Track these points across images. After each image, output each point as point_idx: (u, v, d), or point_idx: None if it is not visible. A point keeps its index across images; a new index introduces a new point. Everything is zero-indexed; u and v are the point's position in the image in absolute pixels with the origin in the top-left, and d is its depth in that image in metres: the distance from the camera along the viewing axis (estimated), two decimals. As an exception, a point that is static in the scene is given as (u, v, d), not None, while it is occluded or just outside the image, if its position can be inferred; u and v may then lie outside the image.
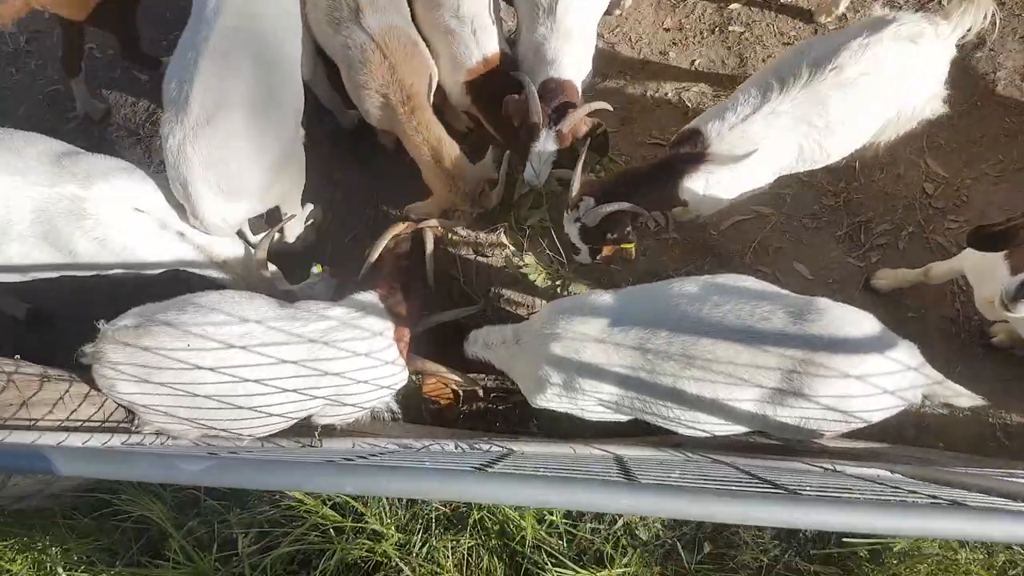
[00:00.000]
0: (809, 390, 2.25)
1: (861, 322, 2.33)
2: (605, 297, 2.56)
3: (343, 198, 3.80)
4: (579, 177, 2.94)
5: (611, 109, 3.13)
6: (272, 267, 3.04)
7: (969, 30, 2.76)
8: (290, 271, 3.15)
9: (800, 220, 3.48)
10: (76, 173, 2.68)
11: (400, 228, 3.00)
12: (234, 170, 2.80)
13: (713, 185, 2.83)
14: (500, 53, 3.22)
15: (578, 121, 3.05)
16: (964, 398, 2.49)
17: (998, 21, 3.02)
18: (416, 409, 3.33)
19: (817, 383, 2.24)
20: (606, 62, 3.82)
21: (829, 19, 3.78)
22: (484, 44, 3.17)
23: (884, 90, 2.72)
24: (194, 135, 2.70)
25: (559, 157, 3.18)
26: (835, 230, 3.46)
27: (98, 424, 2.49)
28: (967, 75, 3.56)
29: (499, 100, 3.10)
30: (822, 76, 2.65)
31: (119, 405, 2.53)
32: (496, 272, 3.59)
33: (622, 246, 2.93)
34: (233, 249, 3.06)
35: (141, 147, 3.94)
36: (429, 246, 3.04)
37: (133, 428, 2.57)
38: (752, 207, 3.46)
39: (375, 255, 2.95)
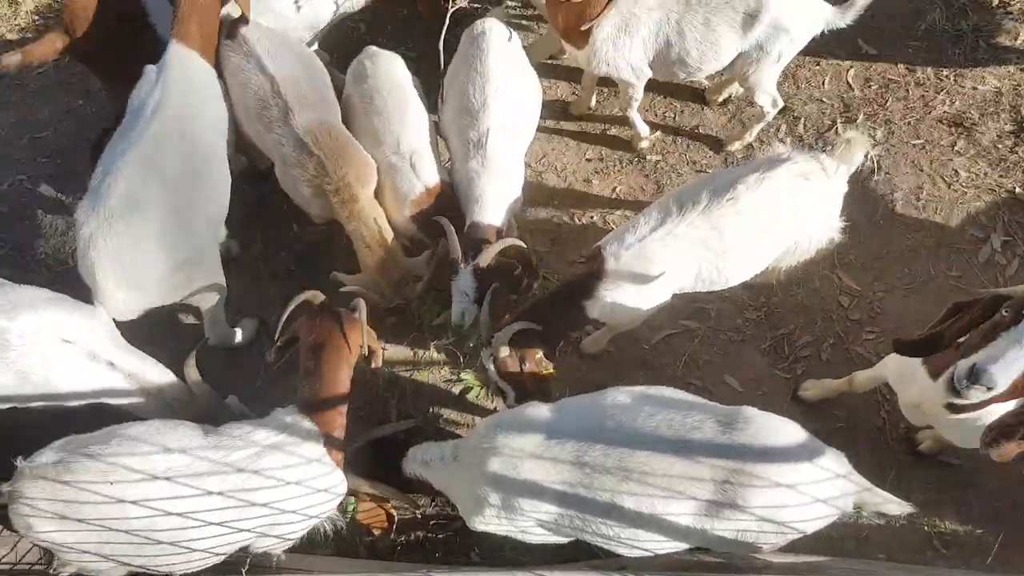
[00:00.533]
0: (743, 501, 2.28)
1: (788, 430, 2.41)
2: (541, 410, 2.59)
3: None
4: (487, 314, 3.06)
5: (523, 245, 3.28)
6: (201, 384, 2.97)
7: (854, 167, 3.05)
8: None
9: (726, 333, 3.63)
10: (1, 304, 2.65)
11: (309, 295, 2.88)
12: (140, 266, 2.90)
13: (618, 302, 2.98)
14: (440, 183, 3.41)
15: (492, 256, 3.18)
16: (894, 505, 2.54)
17: (875, 159, 3.35)
18: (350, 541, 3.19)
19: (749, 493, 2.27)
20: (535, 189, 4.05)
21: (736, 148, 4.12)
22: (424, 176, 3.36)
23: (778, 221, 2.96)
24: (106, 228, 2.80)
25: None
26: (759, 343, 3.62)
27: (9, 567, 2.33)
28: (868, 196, 3.90)
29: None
30: (719, 204, 2.88)
31: (35, 545, 2.37)
32: (435, 391, 3.59)
33: (542, 372, 3.02)
34: (164, 375, 3.00)
35: (69, 276, 3.89)
36: (367, 340, 2.89)
37: (51, 571, 2.41)
38: (680, 321, 3.61)
39: (280, 326, 2.83)
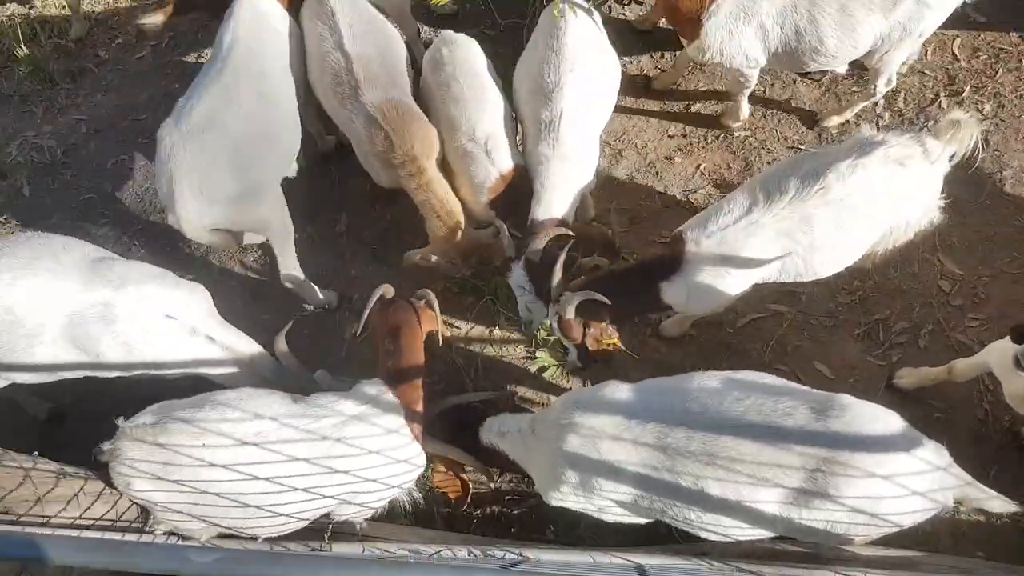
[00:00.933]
0: (834, 491, 2.21)
1: (885, 420, 2.31)
2: (622, 389, 2.57)
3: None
4: (558, 274, 3.04)
5: (571, 234, 3.24)
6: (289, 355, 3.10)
7: (955, 154, 2.85)
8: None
9: (817, 318, 3.50)
10: (110, 279, 2.82)
11: (384, 289, 3.02)
12: (214, 180, 3.11)
13: (695, 289, 2.90)
14: (514, 167, 3.41)
15: (544, 243, 3.19)
16: (997, 502, 2.43)
17: (983, 135, 3.12)
18: (428, 513, 3.26)
19: (842, 483, 2.20)
20: (614, 168, 3.99)
21: (833, 125, 3.94)
22: (499, 162, 3.37)
23: (872, 211, 2.80)
24: (186, 140, 3.06)
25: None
26: (853, 328, 3.48)
27: (110, 523, 2.49)
28: (974, 174, 3.67)
29: (519, 209, 3.31)
30: (808, 194, 2.73)
31: (133, 503, 2.53)
32: (510, 367, 3.61)
33: (604, 341, 3.01)
34: (256, 348, 3.14)
35: (165, 251, 4.09)
36: (437, 323, 3.03)
37: (146, 528, 2.55)
38: (768, 305, 3.50)
39: (364, 316, 2.96)
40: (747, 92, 3.79)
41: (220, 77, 3.19)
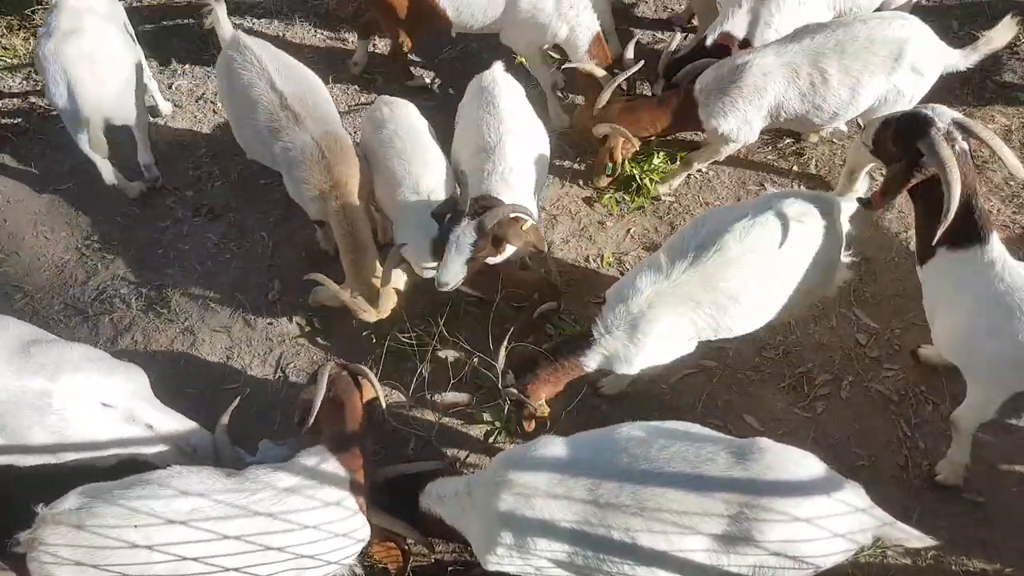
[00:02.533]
0: (758, 534, 2.33)
1: (804, 462, 2.47)
2: (555, 444, 2.67)
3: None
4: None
5: (534, 218, 3.46)
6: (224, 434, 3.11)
7: (855, 204, 3.16)
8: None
9: (744, 372, 3.71)
10: (44, 364, 2.79)
11: (330, 369, 3.07)
12: (100, 65, 3.95)
13: (614, 362, 3.13)
14: None
15: (502, 218, 3.30)
16: (916, 540, 2.58)
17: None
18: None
19: (765, 527, 2.32)
20: (549, 233, 4.18)
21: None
22: None
23: (775, 267, 3.00)
24: (64, 42, 3.90)
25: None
26: (779, 381, 3.69)
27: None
28: (883, 234, 4.00)
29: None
30: (707, 256, 2.93)
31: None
32: (456, 433, 3.66)
33: (535, 413, 3.20)
34: (190, 424, 3.13)
35: (88, 325, 4.03)
36: (376, 391, 3.17)
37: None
38: (699, 361, 3.69)
39: (317, 404, 2.97)
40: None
41: (62, 8, 4.03)
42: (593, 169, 4.29)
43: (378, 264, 3.63)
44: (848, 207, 3.14)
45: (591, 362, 3.14)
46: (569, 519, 2.46)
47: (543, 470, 2.55)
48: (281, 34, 5.28)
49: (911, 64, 3.51)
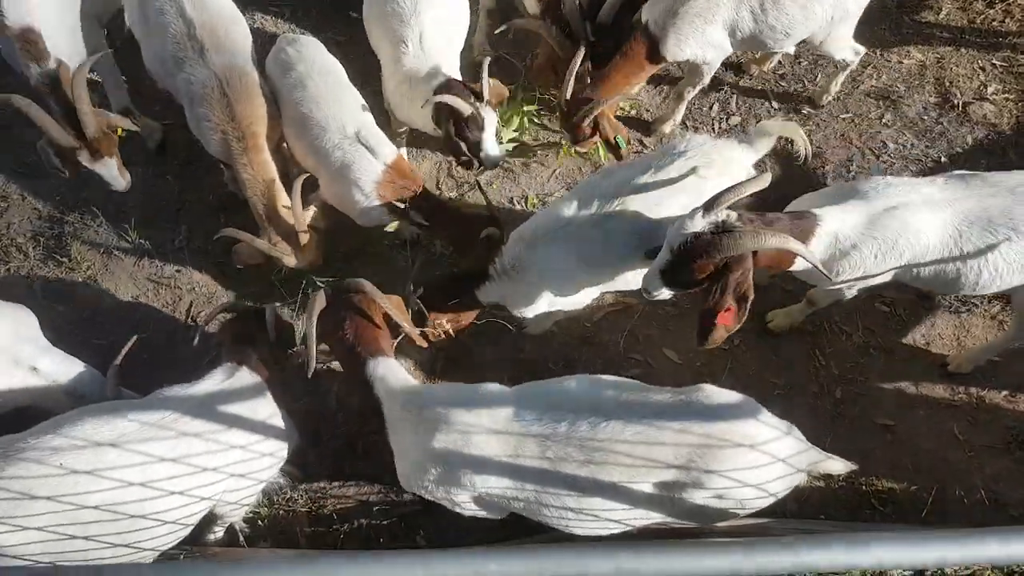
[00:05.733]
0: (716, 464, 2.41)
1: (737, 397, 2.59)
2: (500, 388, 2.69)
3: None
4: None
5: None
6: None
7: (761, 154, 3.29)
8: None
9: (664, 309, 3.87)
10: None
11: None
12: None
13: (508, 301, 3.26)
14: (399, 156, 3.59)
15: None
16: (837, 463, 2.76)
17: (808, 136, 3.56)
18: (289, 533, 3.31)
19: (718, 454, 2.41)
20: (475, 169, 4.22)
21: (666, 131, 4.38)
22: (382, 153, 3.50)
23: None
24: None
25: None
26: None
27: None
28: (799, 171, 4.18)
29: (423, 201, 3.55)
30: (610, 209, 3.00)
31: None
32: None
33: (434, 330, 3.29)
34: (80, 366, 3.09)
35: (-19, 277, 3.92)
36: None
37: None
38: (621, 298, 3.82)
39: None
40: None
41: None
42: (568, 138, 4.06)
43: (285, 214, 3.53)
44: (753, 158, 3.23)
45: (484, 297, 3.24)
46: (520, 455, 2.50)
47: (490, 409, 2.57)
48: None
49: None
